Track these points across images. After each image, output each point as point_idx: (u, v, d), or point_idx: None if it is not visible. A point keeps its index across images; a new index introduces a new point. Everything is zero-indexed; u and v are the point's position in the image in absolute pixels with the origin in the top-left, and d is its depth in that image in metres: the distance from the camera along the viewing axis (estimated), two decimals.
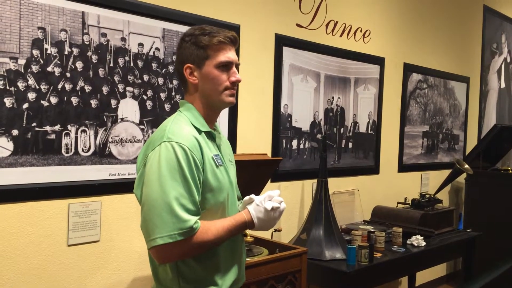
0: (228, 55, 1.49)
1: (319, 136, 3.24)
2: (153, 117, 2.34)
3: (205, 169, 1.42)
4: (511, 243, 4.08)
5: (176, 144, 1.37)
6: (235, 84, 1.51)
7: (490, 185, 4.43)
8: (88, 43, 2.11)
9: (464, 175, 4.25)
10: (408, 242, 3.10)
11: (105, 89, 2.17)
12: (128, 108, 2.25)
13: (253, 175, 2.33)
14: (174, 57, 2.40)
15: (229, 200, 1.52)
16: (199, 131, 1.47)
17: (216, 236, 1.41)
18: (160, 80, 2.37)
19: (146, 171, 1.39)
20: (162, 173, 1.34)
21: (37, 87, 1.96)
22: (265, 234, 2.46)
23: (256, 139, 2.86)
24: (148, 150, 1.43)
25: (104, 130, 2.17)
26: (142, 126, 2.31)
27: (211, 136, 1.52)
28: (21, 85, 1.92)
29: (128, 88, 2.25)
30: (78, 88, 2.08)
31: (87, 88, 2.11)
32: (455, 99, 4.72)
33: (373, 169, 3.76)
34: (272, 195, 1.53)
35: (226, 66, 1.48)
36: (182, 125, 1.44)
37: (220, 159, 1.50)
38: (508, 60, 5.77)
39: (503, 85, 5.68)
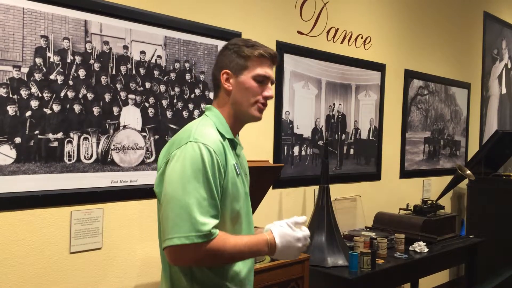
0: (267, 70, 1.51)
1: (320, 142, 3.24)
2: (155, 124, 2.35)
3: (226, 175, 1.41)
4: None
5: (203, 145, 1.36)
6: (266, 99, 1.51)
7: (492, 191, 4.42)
8: (90, 51, 2.12)
9: (466, 181, 4.24)
10: (410, 248, 3.10)
11: (107, 97, 2.18)
12: (130, 116, 2.26)
13: (255, 182, 2.32)
14: (176, 64, 2.42)
15: (244, 210, 1.50)
16: (223, 137, 1.47)
17: (233, 248, 1.37)
18: (162, 88, 2.38)
19: (169, 169, 1.37)
20: (185, 173, 1.33)
21: (40, 95, 1.97)
22: None
23: (257, 146, 2.86)
24: (172, 148, 1.41)
25: (106, 137, 2.18)
26: (144, 133, 2.32)
27: (233, 144, 1.52)
28: (24, 93, 1.93)
29: (130, 96, 2.26)
30: (80, 95, 2.09)
31: (90, 96, 2.12)
32: (456, 105, 4.73)
33: (375, 175, 3.76)
34: (300, 222, 1.48)
35: (262, 82, 1.49)
36: (209, 128, 1.45)
37: (239, 168, 1.50)
38: (509, 66, 5.78)
39: (504, 91, 5.69)
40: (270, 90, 1.52)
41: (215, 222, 1.33)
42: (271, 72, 1.53)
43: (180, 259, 1.34)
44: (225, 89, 1.50)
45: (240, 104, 1.49)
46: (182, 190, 1.31)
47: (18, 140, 1.92)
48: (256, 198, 2.49)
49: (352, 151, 3.53)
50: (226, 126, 1.50)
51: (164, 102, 2.39)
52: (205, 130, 1.42)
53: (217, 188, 1.36)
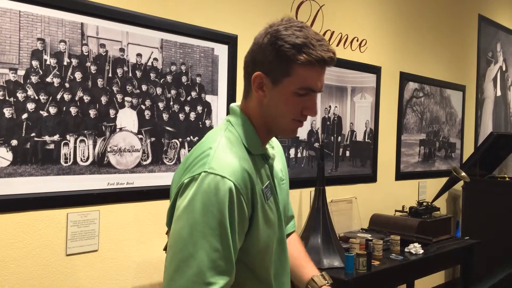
0: (316, 80, 1.17)
1: (316, 144, 3.26)
2: (151, 127, 2.36)
3: (254, 210, 1.16)
4: (509, 251, 4.09)
5: (220, 179, 1.09)
6: (306, 117, 1.23)
7: (487, 192, 4.44)
8: (87, 53, 2.12)
9: (461, 182, 4.26)
10: (406, 250, 3.11)
11: (103, 99, 2.19)
12: (127, 118, 2.27)
13: None
14: (172, 67, 2.42)
15: (274, 237, 1.26)
16: (251, 154, 1.21)
17: None
18: (158, 90, 2.38)
19: (178, 206, 1.12)
20: (194, 216, 1.07)
21: (36, 97, 1.98)
22: None
23: None
24: (184, 175, 1.15)
25: (102, 139, 2.19)
26: (140, 136, 2.32)
27: (264, 157, 1.26)
28: (20, 95, 1.94)
29: (126, 98, 2.27)
30: (77, 98, 2.10)
31: (86, 98, 2.13)
32: (451, 107, 4.75)
33: (371, 177, 3.77)
34: None
35: (305, 94, 1.18)
36: (232, 149, 1.16)
37: (269, 190, 1.24)
38: (504, 69, 5.81)
39: (499, 93, 5.72)
40: (315, 107, 1.20)
41: (224, 279, 1.08)
42: (321, 82, 1.19)
43: None
44: (256, 96, 1.22)
45: (272, 119, 1.22)
46: (188, 238, 1.06)
47: (14, 142, 1.92)
48: None
49: (348, 153, 3.54)
50: (256, 138, 1.23)
51: (161, 105, 2.39)
52: (225, 152, 1.14)
53: (234, 234, 1.10)
